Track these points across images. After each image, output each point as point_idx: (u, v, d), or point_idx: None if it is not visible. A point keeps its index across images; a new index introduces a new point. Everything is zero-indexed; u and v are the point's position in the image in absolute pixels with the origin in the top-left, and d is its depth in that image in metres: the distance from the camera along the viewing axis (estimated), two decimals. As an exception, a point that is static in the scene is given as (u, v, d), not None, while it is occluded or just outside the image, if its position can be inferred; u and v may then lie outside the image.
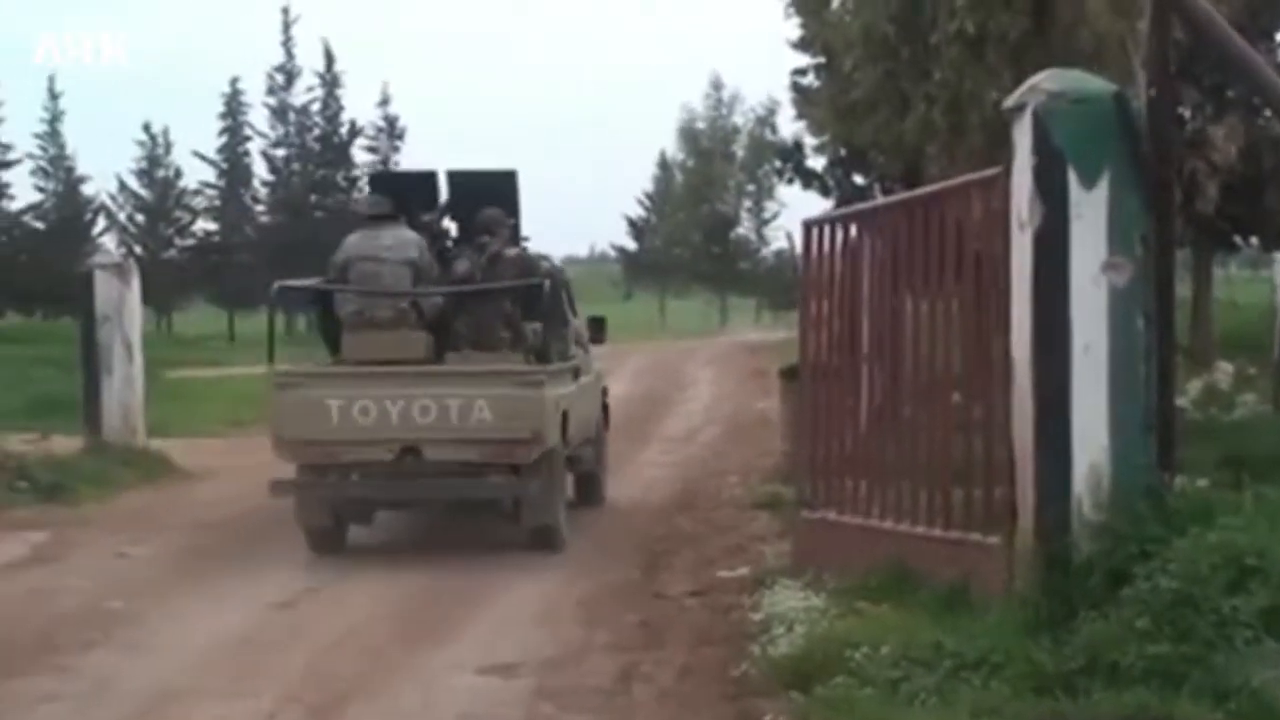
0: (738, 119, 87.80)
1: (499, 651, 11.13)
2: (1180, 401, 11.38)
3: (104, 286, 21.96)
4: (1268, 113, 25.35)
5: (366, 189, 19.91)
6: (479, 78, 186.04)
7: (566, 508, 16.26)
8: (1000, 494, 10.12)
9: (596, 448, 18.49)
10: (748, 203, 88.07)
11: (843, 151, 33.92)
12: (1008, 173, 9.92)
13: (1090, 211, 9.46)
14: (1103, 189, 9.47)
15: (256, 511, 17.90)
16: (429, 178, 17.50)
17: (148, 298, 24.36)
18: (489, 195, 16.71)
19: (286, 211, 74.84)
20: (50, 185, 76.58)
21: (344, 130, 77.02)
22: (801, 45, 33.14)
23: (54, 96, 77.14)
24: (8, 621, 12.39)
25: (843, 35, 23.46)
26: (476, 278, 16.08)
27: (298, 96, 76.55)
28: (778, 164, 46.49)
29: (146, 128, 77.07)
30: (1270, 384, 21.13)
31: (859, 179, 35.50)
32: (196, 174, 77.11)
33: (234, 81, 77.66)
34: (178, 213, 77.50)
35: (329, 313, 16.36)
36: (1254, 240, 34.35)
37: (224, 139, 77.39)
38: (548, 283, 16.12)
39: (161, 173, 77.12)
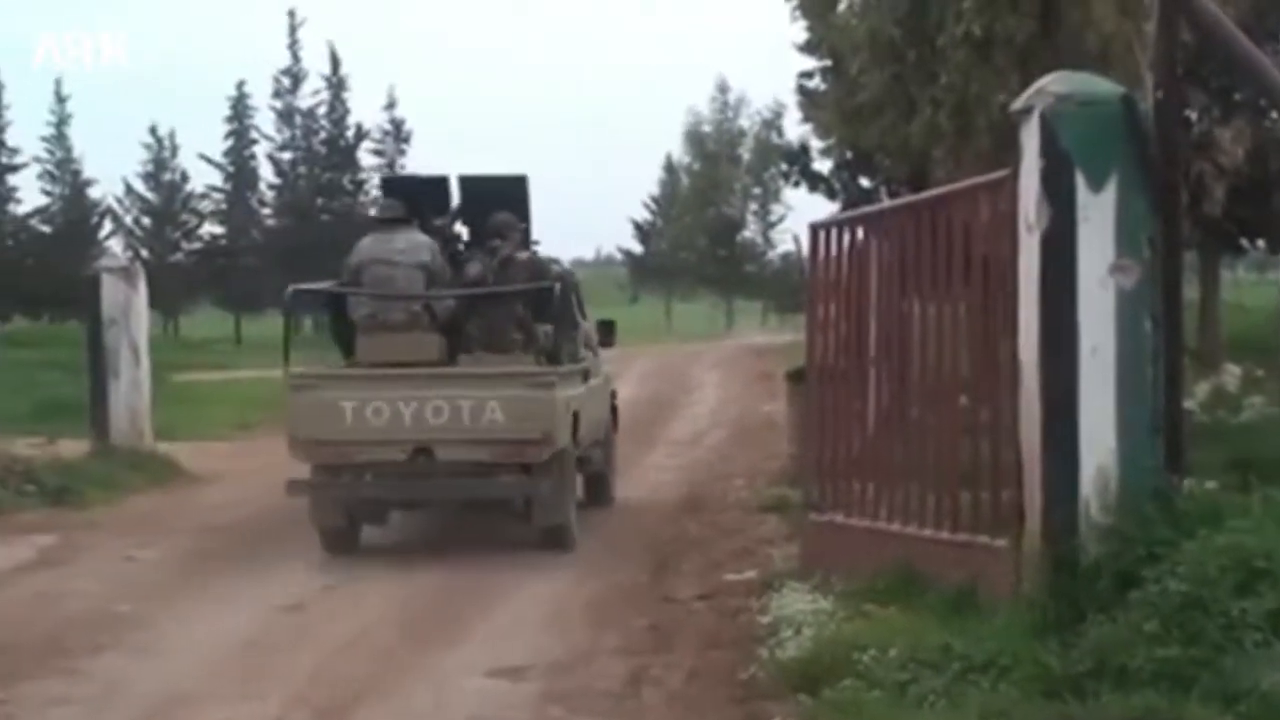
0: (744, 122, 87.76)
1: (508, 654, 11.13)
2: (1188, 404, 11.37)
3: (111, 290, 22.00)
4: (1275, 115, 25.42)
5: (379, 193, 20.03)
6: (482, 79, 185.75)
7: (576, 508, 16.37)
8: (1008, 496, 10.11)
9: (606, 449, 18.66)
10: (754, 206, 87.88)
11: (849, 154, 33.92)
12: (1015, 175, 9.91)
13: (1098, 214, 9.45)
14: (1110, 191, 9.47)
15: (264, 514, 17.98)
16: (441, 182, 17.64)
17: (154, 301, 24.34)
18: (500, 200, 16.90)
19: (293, 215, 74.82)
20: (57, 189, 76.51)
21: (350, 134, 77.00)
22: (808, 48, 33.14)
23: (60, 100, 77.16)
24: (16, 625, 12.41)
25: (849, 38, 23.42)
26: (488, 281, 16.26)
27: (304, 100, 76.63)
28: (784, 167, 46.48)
29: (153, 131, 77.14)
30: (1278, 386, 21.13)
31: (865, 182, 35.49)
32: (203, 177, 77.28)
33: (240, 85, 77.73)
34: (184, 216, 77.43)
35: (342, 315, 16.52)
36: (1261, 243, 34.29)
37: (230, 142, 77.38)
38: (558, 286, 16.29)
39: (168, 176, 77.05)
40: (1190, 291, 12.82)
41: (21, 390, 27.21)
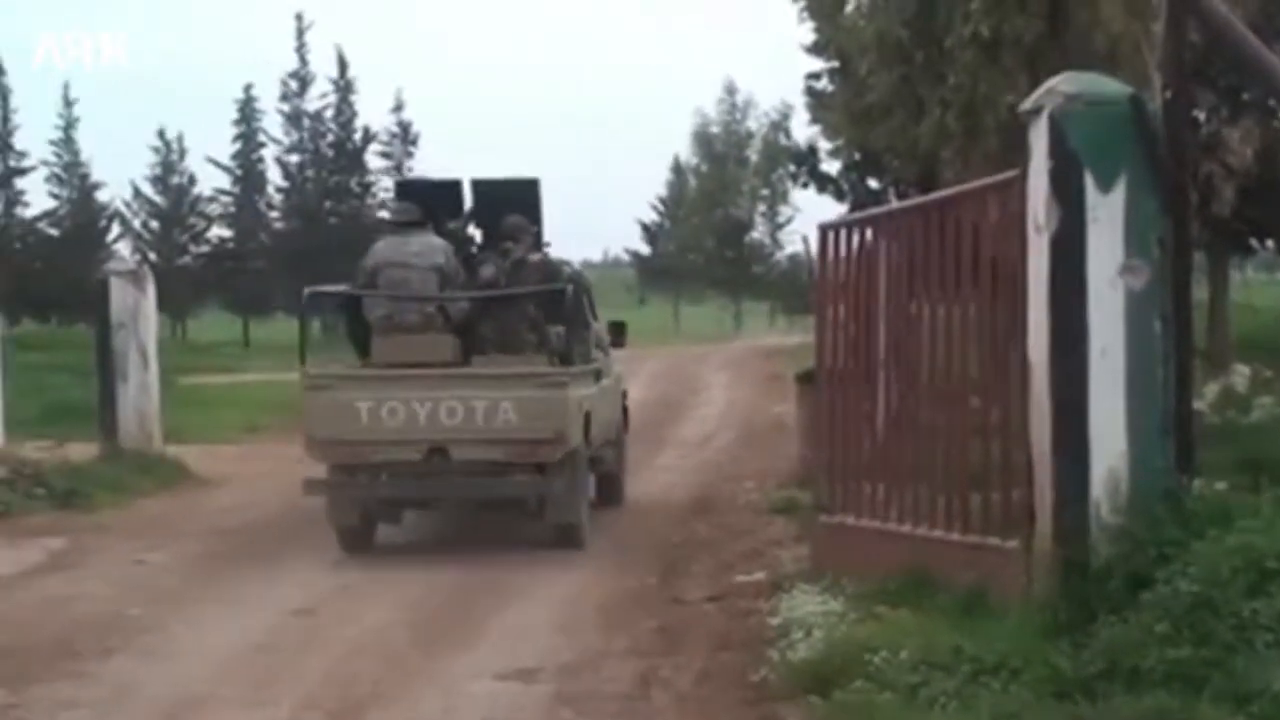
0: (751, 124, 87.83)
1: (518, 656, 11.13)
2: (1197, 405, 11.34)
3: (119, 293, 22.01)
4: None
5: (393, 197, 20.21)
6: (490, 81, 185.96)
7: (589, 507, 16.52)
8: (1018, 498, 10.10)
9: (617, 449, 18.83)
10: (762, 207, 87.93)
11: (857, 156, 33.92)
12: (1024, 176, 9.90)
13: (1107, 214, 9.45)
14: (1119, 192, 9.46)
15: (273, 518, 18.04)
16: (454, 186, 17.83)
17: (162, 304, 24.38)
18: (512, 203, 17.13)
19: (301, 218, 74.84)
20: (65, 192, 76.63)
21: (358, 136, 77.03)
22: (815, 50, 33.17)
23: (68, 103, 77.22)
24: (27, 628, 12.42)
25: (857, 40, 23.46)
26: (501, 283, 16.47)
27: (311, 103, 76.68)
28: (792, 168, 46.49)
29: (161, 134, 77.25)
30: (1287, 387, 21.10)
31: (873, 183, 35.48)
32: (210, 181, 77.34)
33: (248, 88, 77.75)
34: (192, 219, 77.49)
35: (358, 317, 16.65)
36: (1270, 243, 34.27)
37: (238, 145, 77.43)
38: (570, 288, 16.46)
39: (176, 179, 77.15)
40: (1199, 292, 12.78)
41: (30, 393, 27.18)
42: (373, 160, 77.64)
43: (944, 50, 19.92)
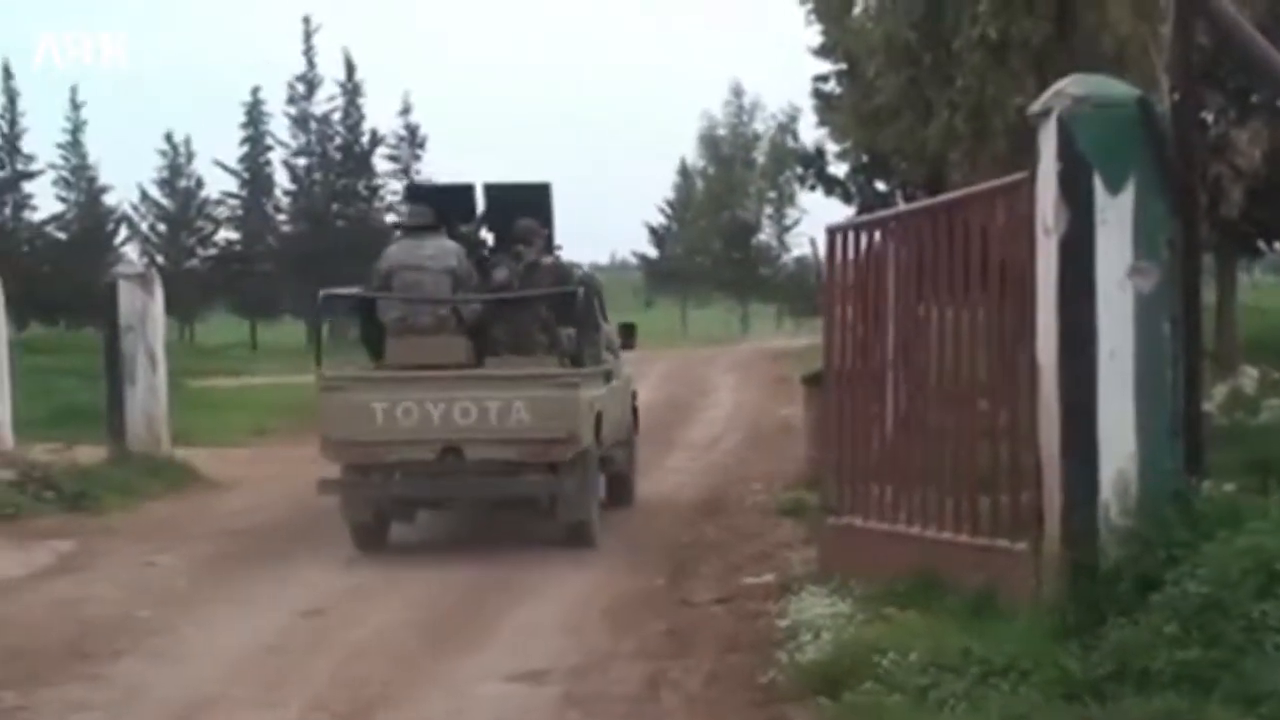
0: (758, 126, 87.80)
1: (527, 658, 11.14)
2: (1205, 406, 11.35)
3: (127, 296, 22.02)
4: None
5: (407, 201, 20.40)
6: (495, 83, 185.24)
7: (599, 507, 16.66)
8: (1027, 500, 10.11)
9: (627, 449, 19.01)
10: (769, 209, 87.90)
11: (865, 158, 33.93)
12: (1032, 178, 9.90)
13: (1115, 216, 9.45)
14: (1128, 194, 9.46)
15: (282, 520, 18.07)
16: (467, 190, 18.04)
17: (170, 307, 24.38)
18: (524, 206, 17.36)
19: (308, 221, 74.87)
20: (72, 195, 76.71)
21: (365, 139, 77.05)
22: (823, 52, 33.19)
23: (76, 106, 77.24)
24: (37, 630, 12.43)
25: (865, 42, 23.43)
26: (514, 285, 16.72)
27: (319, 106, 76.70)
28: (799, 170, 46.48)
29: (168, 137, 77.37)
30: (1295, 388, 21.07)
31: (881, 185, 35.51)
32: (218, 184, 77.39)
33: (255, 91, 77.81)
34: (200, 222, 77.57)
35: (371, 319, 16.86)
36: (1278, 245, 34.22)
37: (245, 148, 77.46)
38: (581, 290, 16.63)
39: (183, 182, 77.27)
40: (1207, 294, 12.79)
41: (39, 396, 27.22)
42: (380, 163, 77.76)
43: (952, 52, 19.92)
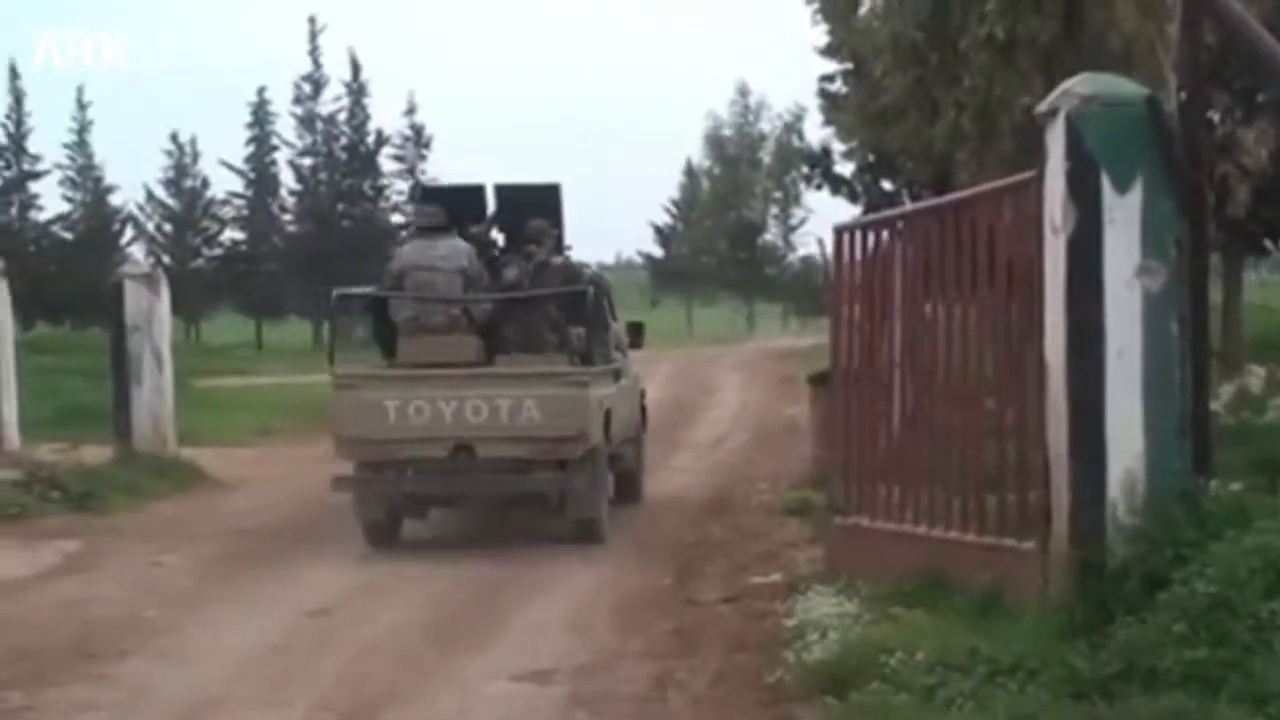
0: (764, 126, 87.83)
1: (533, 658, 11.13)
2: (1212, 405, 11.33)
3: (134, 296, 22.03)
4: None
5: (419, 201, 20.58)
6: (495, 82, 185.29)
7: (609, 503, 16.88)
8: (1034, 499, 10.09)
9: (635, 447, 19.18)
10: (774, 209, 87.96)
11: (871, 157, 33.83)
12: (1040, 177, 9.90)
13: (1124, 216, 9.44)
14: (1136, 193, 9.45)
15: (288, 520, 18.09)
16: (478, 191, 18.28)
17: (175, 307, 24.37)
18: (534, 207, 17.55)
19: (313, 221, 74.96)
20: (78, 195, 76.77)
21: (370, 139, 77.09)
22: (829, 52, 33.10)
23: (82, 106, 77.38)
24: (43, 630, 12.43)
25: (871, 41, 23.41)
26: (524, 285, 16.90)
27: (324, 106, 76.76)
28: (805, 170, 46.39)
29: (174, 137, 77.48)
30: (1301, 387, 21.06)
31: (887, 185, 35.40)
32: (224, 184, 77.51)
33: (261, 91, 77.94)
34: (205, 222, 77.72)
35: (383, 319, 17.04)
36: (1286, 244, 34.15)
37: (251, 148, 77.52)
38: (591, 290, 16.85)
39: (189, 182, 77.37)
40: (1214, 293, 12.73)
41: (45, 396, 27.22)
42: (385, 163, 77.83)
43: (959, 52, 19.89)
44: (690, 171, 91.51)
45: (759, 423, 30.13)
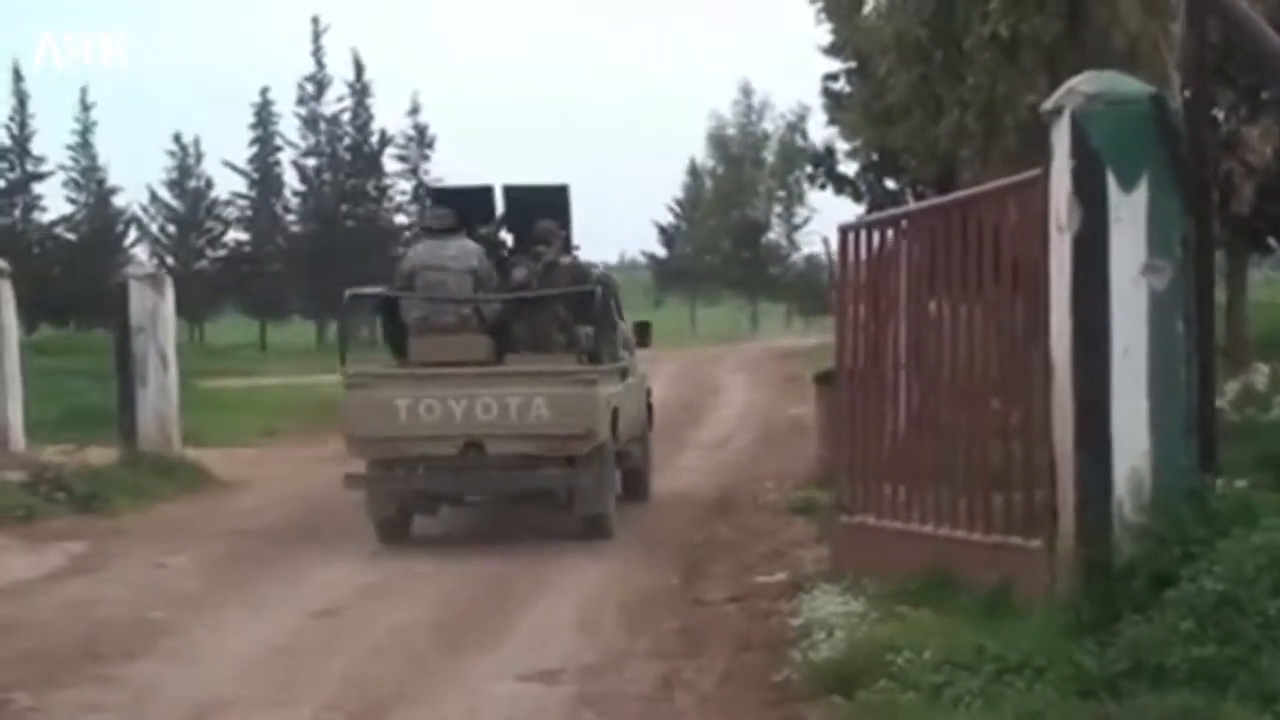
0: (767, 125, 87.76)
1: (540, 658, 11.14)
2: (1218, 403, 11.31)
3: (138, 297, 22.04)
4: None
5: (429, 203, 20.75)
6: (498, 82, 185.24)
7: (616, 501, 17.04)
8: (1041, 497, 10.09)
9: (642, 444, 19.35)
10: (778, 208, 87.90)
11: (875, 156, 33.81)
12: (1045, 176, 9.89)
13: (1129, 214, 9.44)
14: (1142, 191, 9.45)
15: (293, 520, 18.10)
16: (486, 192, 18.39)
17: (179, 308, 24.38)
18: (542, 208, 17.76)
19: (317, 221, 75.02)
20: (82, 197, 76.78)
21: (374, 139, 77.11)
22: (832, 50, 33.12)
23: (85, 108, 77.36)
24: (49, 632, 12.44)
25: (875, 40, 23.40)
26: (533, 285, 17.13)
27: (328, 106, 76.78)
28: (809, 169, 46.35)
29: (177, 138, 77.45)
30: (1307, 385, 21.04)
31: (891, 184, 35.39)
32: (227, 184, 77.48)
33: (264, 91, 77.97)
34: (209, 223, 77.71)
35: (394, 318, 17.27)
36: (1290, 240, 34.12)
37: (255, 149, 77.54)
38: (599, 289, 17.05)
39: (192, 183, 77.34)
40: (1218, 291, 12.72)
41: (49, 398, 27.19)
42: (389, 163, 77.85)
43: (963, 50, 19.85)
44: (694, 171, 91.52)
45: (764, 422, 30.13)
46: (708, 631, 11.83)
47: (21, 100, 74.38)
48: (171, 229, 76.80)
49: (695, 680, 10.35)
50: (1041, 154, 9.99)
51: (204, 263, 75.96)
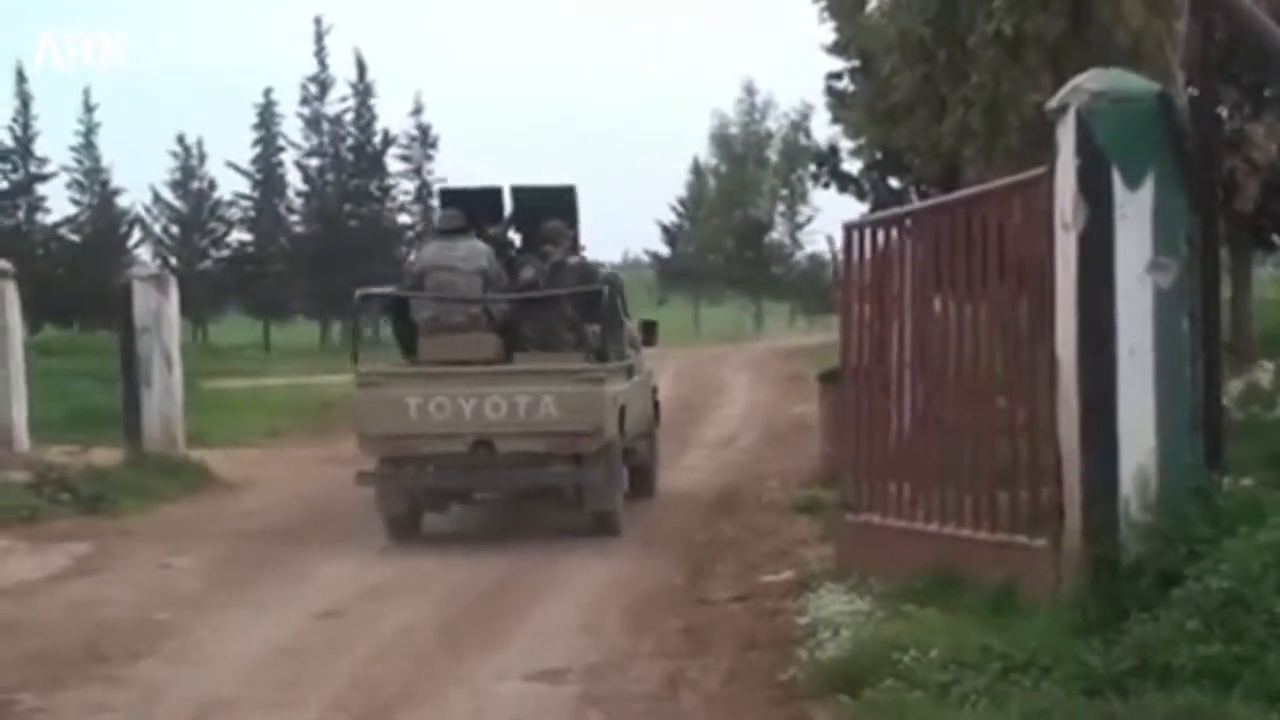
0: (771, 124, 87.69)
1: (545, 657, 11.14)
2: (1223, 401, 11.31)
3: (143, 298, 22.04)
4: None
5: (439, 204, 20.88)
6: (499, 82, 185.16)
7: (623, 497, 17.24)
8: (1047, 495, 10.07)
9: (649, 442, 19.52)
10: (781, 207, 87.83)
11: (878, 155, 33.78)
12: (1051, 174, 9.88)
13: (1135, 212, 9.43)
14: (1147, 189, 9.43)
15: (297, 520, 18.09)
16: (495, 193, 18.67)
17: (183, 309, 24.37)
18: (550, 208, 18.00)
19: (321, 221, 75.07)
20: (85, 198, 76.82)
21: (377, 140, 77.12)
22: (836, 49, 33.09)
23: (89, 109, 77.41)
24: (54, 632, 12.43)
25: (879, 39, 23.38)
26: (541, 284, 17.32)
27: (331, 106, 76.81)
28: (812, 168, 46.29)
29: (180, 139, 77.47)
30: (1312, 382, 21.03)
31: (895, 182, 35.37)
32: (230, 185, 77.50)
33: (268, 92, 78.01)
34: (212, 224, 77.73)
35: (404, 318, 17.49)
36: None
37: (258, 149, 77.57)
38: (606, 289, 17.23)
39: (196, 184, 77.35)
40: (1223, 288, 12.69)
41: (54, 399, 27.21)
42: (392, 163, 77.88)
43: (967, 49, 19.84)
44: (697, 170, 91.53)
45: (768, 421, 30.12)
46: (713, 631, 11.81)
47: (24, 101, 74.48)
48: (175, 230, 76.83)
49: (701, 679, 10.34)
50: (1046, 152, 9.98)
51: (207, 263, 75.98)
